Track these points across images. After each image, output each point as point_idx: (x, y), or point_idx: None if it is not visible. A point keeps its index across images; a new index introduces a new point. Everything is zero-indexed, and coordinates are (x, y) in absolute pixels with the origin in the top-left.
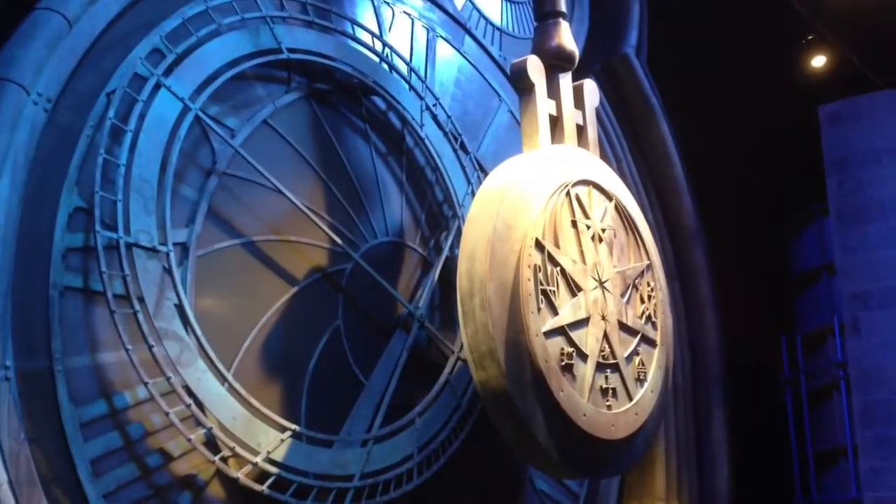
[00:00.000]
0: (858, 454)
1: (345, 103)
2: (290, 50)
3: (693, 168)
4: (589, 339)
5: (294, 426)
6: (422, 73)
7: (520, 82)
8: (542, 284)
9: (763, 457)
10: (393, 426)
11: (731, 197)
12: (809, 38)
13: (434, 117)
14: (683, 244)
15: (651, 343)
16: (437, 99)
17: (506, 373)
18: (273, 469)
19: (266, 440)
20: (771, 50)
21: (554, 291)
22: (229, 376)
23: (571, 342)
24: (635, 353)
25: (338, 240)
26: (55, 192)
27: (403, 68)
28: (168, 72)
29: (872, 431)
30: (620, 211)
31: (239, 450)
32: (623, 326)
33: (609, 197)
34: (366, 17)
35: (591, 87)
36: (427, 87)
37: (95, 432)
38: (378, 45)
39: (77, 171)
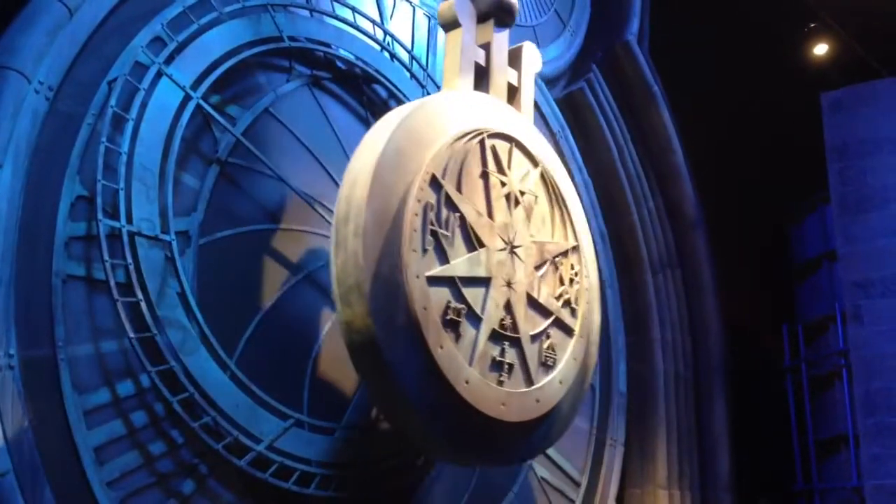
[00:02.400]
0: (860, 442)
1: (346, 91)
2: (291, 38)
3: (694, 155)
4: (487, 303)
5: (296, 414)
6: (423, 62)
7: (446, 22)
8: (432, 225)
9: (764, 445)
10: None
11: (732, 184)
12: (812, 25)
13: None
14: (684, 232)
15: (567, 330)
16: (438, 87)
17: (372, 311)
18: (275, 457)
19: (269, 428)
20: (773, 37)
21: (447, 237)
22: (232, 364)
23: (462, 298)
24: (545, 335)
25: None
26: (57, 180)
27: (405, 56)
28: (169, 60)
29: (874, 419)
30: (548, 181)
31: (241, 438)
32: (533, 302)
33: (535, 162)
34: (367, 5)
35: (531, 50)
36: (429, 75)
37: (99, 420)
38: (379, 34)
39: (79, 160)
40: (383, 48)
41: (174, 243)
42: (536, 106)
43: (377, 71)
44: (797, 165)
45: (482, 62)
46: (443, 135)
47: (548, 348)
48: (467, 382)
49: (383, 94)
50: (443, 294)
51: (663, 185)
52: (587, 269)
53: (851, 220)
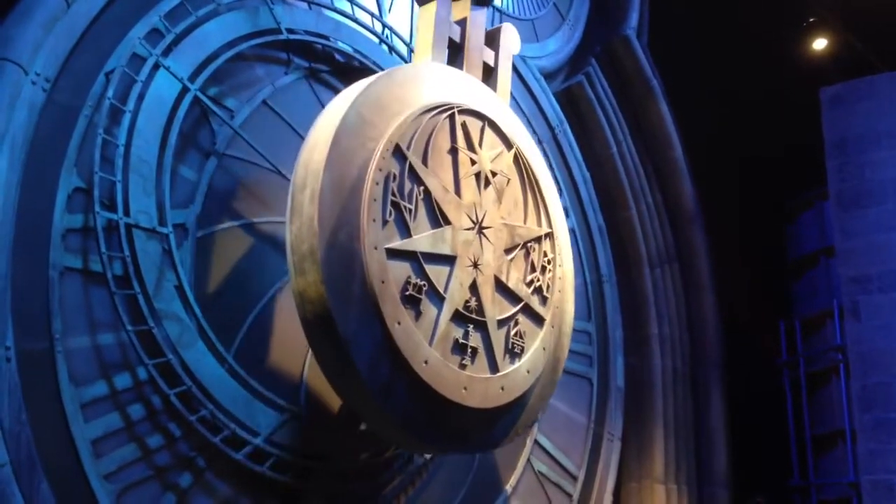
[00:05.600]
0: (856, 437)
1: (344, 84)
2: (290, 30)
3: (693, 150)
4: (451, 282)
5: (294, 407)
6: None
7: None
8: (394, 196)
9: (761, 440)
10: None
11: (730, 180)
12: (811, 20)
13: None
14: (683, 227)
15: (537, 319)
16: None
17: (326, 279)
18: (273, 450)
19: (266, 421)
20: (772, 33)
21: (410, 210)
22: (229, 357)
23: (424, 275)
24: (514, 321)
25: None
26: (54, 172)
27: (403, 49)
28: (167, 52)
29: (871, 415)
30: (522, 165)
31: (239, 431)
32: (501, 286)
33: (509, 144)
34: None
35: (510, 32)
36: None
37: (96, 413)
38: (378, 26)
39: (76, 152)
40: (382, 41)
41: (171, 236)
42: (535, 99)
43: (375, 64)
44: (796, 161)
45: (457, 38)
46: (410, 105)
47: (516, 335)
48: (426, 363)
49: None
50: (403, 269)
51: (662, 180)
52: (561, 257)
53: (849, 215)
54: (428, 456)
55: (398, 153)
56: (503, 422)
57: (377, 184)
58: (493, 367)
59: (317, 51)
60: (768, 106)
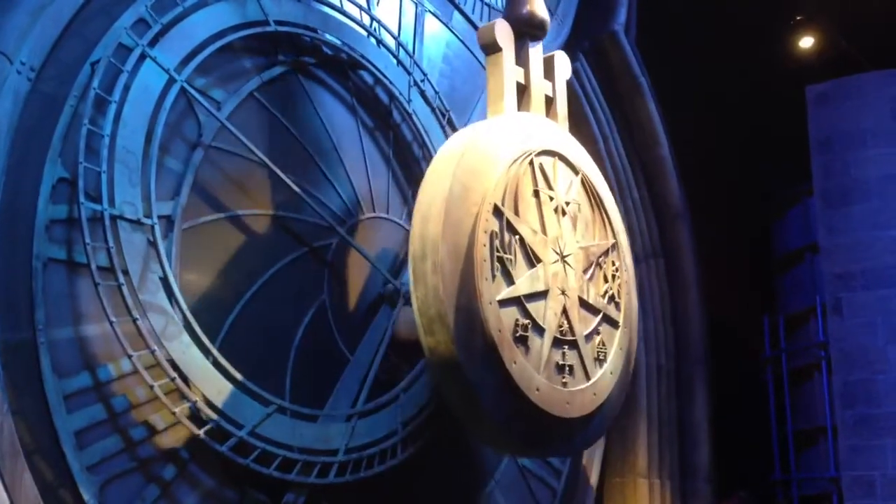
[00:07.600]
0: (838, 434)
1: (332, 77)
2: (278, 22)
3: (679, 147)
4: (547, 313)
5: (279, 400)
6: (410, 48)
7: (487, 46)
8: (498, 252)
9: (744, 435)
10: (377, 402)
11: (716, 176)
12: (798, 18)
13: (422, 93)
14: (669, 223)
15: (613, 324)
16: (424, 74)
17: (455, 339)
18: (257, 443)
19: (251, 414)
20: (759, 30)
21: (511, 260)
22: (214, 350)
23: (527, 314)
24: (596, 332)
25: (323, 214)
26: (39, 162)
27: (391, 43)
28: (153, 42)
29: (852, 411)
30: (587, 186)
31: (223, 423)
32: (584, 304)
33: (575, 171)
34: None
35: (562, 59)
36: (415, 61)
37: (79, 404)
38: (366, 19)
39: (61, 142)
40: (370, 34)
41: (157, 227)
42: None
43: (363, 57)
44: (781, 158)
45: (521, 80)
46: (497, 163)
47: (599, 344)
48: (538, 390)
49: (369, 80)
50: (511, 313)
51: (648, 176)
52: (625, 262)
53: (834, 212)
54: (411, 450)
55: (496, 211)
56: (596, 420)
57: (484, 245)
58: (586, 377)
59: (305, 43)
60: (755, 103)
